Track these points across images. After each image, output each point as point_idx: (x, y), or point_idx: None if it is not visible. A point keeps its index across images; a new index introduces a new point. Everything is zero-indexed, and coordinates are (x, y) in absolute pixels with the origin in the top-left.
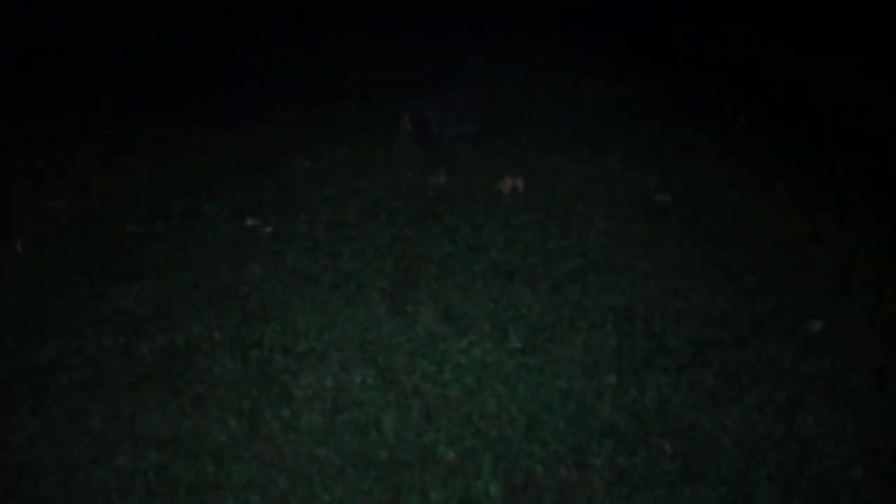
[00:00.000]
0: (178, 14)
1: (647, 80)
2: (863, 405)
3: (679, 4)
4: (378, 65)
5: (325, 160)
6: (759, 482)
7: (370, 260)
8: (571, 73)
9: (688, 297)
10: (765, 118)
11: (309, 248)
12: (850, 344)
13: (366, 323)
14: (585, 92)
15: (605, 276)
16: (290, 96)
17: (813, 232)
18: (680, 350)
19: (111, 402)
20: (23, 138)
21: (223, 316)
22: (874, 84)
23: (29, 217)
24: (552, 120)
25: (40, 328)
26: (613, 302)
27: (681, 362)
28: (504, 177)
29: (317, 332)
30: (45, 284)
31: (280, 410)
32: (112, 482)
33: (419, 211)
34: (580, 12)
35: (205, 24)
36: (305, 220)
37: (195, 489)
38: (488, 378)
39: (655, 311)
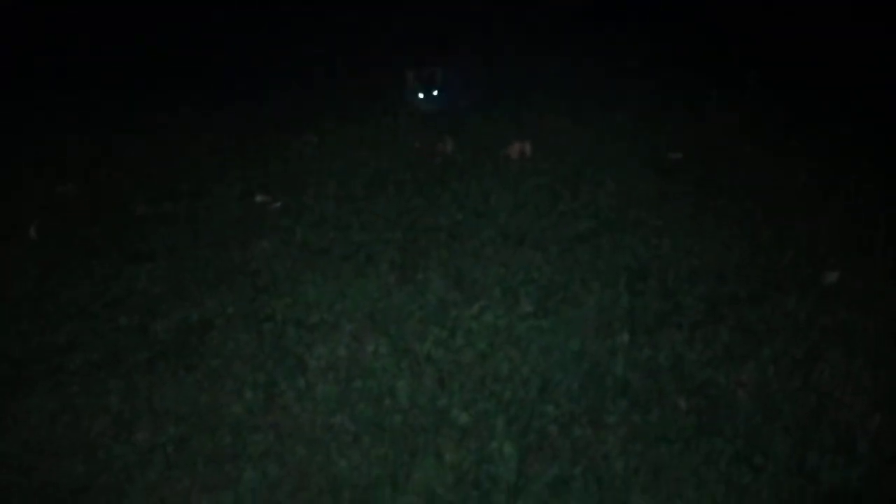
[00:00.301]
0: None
1: (653, 41)
2: (881, 355)
3: None
4: (379, 40)
5: (330, 135)
6: (774, 434)
7: (379, 231)
8: (578, 36)
9: (701, 254)
10: (775, 74)
11: (317, 222)
12: (868, 295)
13: (376, 293)
14: (593, 55)
15: (616, 236)
16: (292, 74)
17: (828, 186)
18: (694, 307)
19: (128, 379)
20: (28, 129)
21: (235, 291)
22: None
23: (38, 203)
24: (559, 84)
25: (55, 310)
26: (625, 261)
27: (695, 319)
28: (512, 142)
29: (328, 303)
30: (58, 267)
31: (295, 381)
32: (131, 457)
33: (427, 180)
34: None
35: (203, 7)
36: (313, 194)
37: (214, 460)
38: (500, 342)
39: (668, 269)
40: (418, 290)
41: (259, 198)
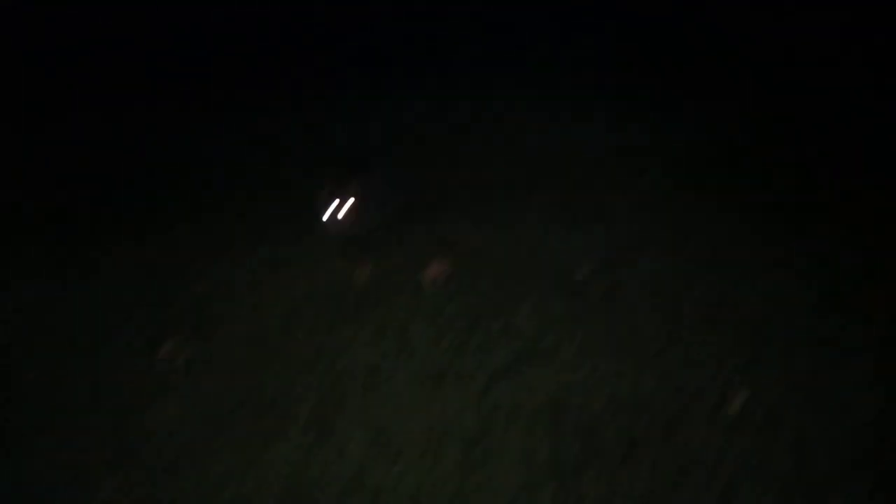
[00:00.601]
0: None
1: (550, 136)
2: (789, 486)
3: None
4: (293, 154)
5: (243, 261)
6: None
7: (294, 378)
8: (494, 136)
9: (616, 382)
10: (667, 175)
11: (227, 375)
12: (771, 419)
13: (292, 456)
14: (494, 157)
15: (534, 367)
16: (203, 195)
17: (721, 295)
18: (613, 448)
19: None
20: None
21: (133, 475)
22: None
23: None
24: (471, 193)
25: None
26: (545, 395)
27: (615, 462)
28: (428, 264)
29: (239, 478)
30: None
31: None
32: None
33: (343, 313)
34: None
35: (107, 127)
36: (224, 338)
37: None
38: None
39: (587, 401)
40: (337, 449)
41: (163, 350)
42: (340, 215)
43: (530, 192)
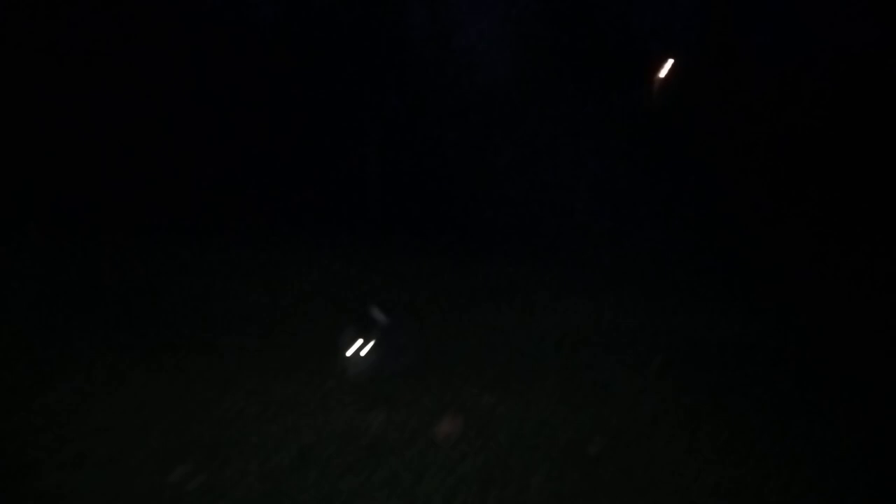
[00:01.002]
0: (107, 244)
1: (568, 315)
2: None
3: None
4: (315, 293)
5: (258, 396)
6: None
7: None
8: (505, 306)
9: None
10: (680, 357)
11: None
12: None
13: None
14: (514, 328)
15: None
16: (225, 327)
17: (735, 483)
18: None
19: None
20: None
21: None
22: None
23: None
24: (488, 351)
25: None
26: None
27: None
28: (442, 419)
29: None
30: None
31: None
32: None
33: (357, 458)
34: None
35: (131, 255)
36: (237, 468)
37: None
38: None
39: None
40: None
41: (176, 471)
42: (362, 354)
43: (542, 364)
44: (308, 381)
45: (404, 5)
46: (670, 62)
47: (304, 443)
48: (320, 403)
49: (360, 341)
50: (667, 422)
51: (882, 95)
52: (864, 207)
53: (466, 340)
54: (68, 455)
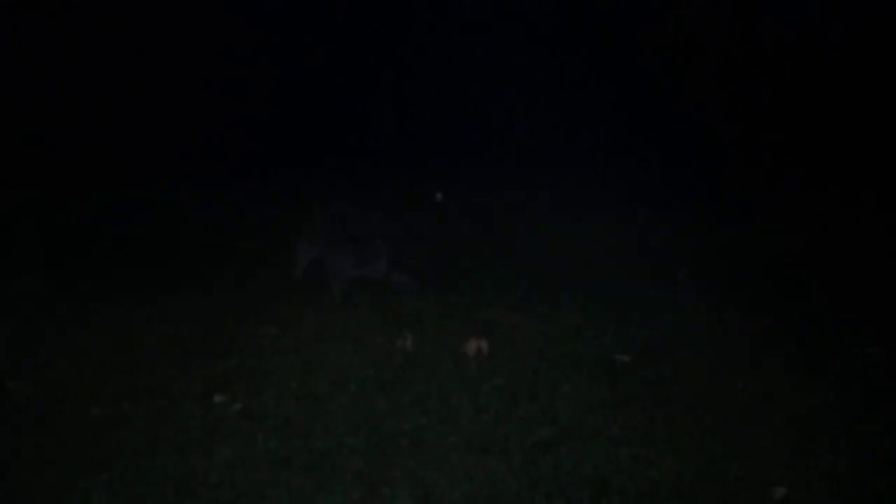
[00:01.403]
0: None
1: (592, 230)
2: None
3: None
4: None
5: (291, 327)
6: None
7: (342, 437)
8: (522, 224)
9: (659, 465)
10: (706, 271)
11: (279, 427)
12: None
13: None
14: (537, 245)
15: (577, 444)
16: (246, 262)
17: (766, 392)
18: None
19: None
20: None
21: None
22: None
23: None
24: (508, 275)
25: None
26: (587, 473)
27: None
28: (469, 339)
29: None
30: (6, 478)
31: None
32: None
33: (388, 379)
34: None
35: (157, 194)
36: (274, 394)
37: None
38: None
39: (629, 481)
40: None
41: (218, 398)
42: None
43: (564, 284)
44: (334, 312)
45: None
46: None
47: (337, 367)
48: (350, 331)
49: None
50: (693, 334)
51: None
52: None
53: (486, 262)
54: (116, 386)
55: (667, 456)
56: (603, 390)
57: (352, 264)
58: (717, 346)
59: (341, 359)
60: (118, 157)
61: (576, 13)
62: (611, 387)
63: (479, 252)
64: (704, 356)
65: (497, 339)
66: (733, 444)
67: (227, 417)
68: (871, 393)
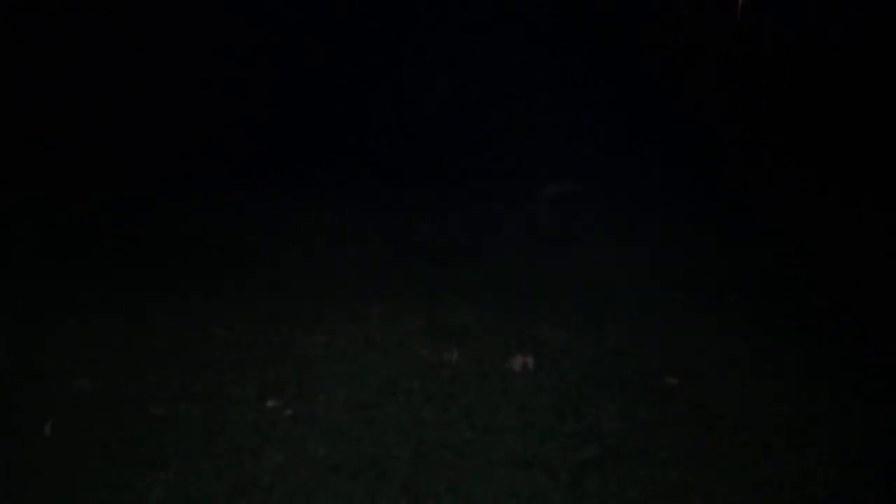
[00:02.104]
0: (195, 196)
1: (634, 255)
2: None
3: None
4: (382, 246)
5: (339, 335)
6: None
7: (390, 445)
8: (573, 249)
9: (705, 492)
10: (755, 296)
11: (329, 433)
12: None
13: None
14: (583, 268)
15: (623, 465)
16: (303, 269)
17: (812, 417)
18: None
19: None
20: (46, 320)
21: None
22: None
23: (54, 398)
24: (555, 295)
25: None
26: (633, 495)
27: None
28: (515, 354)
29: None
30: (71, 472)
31: None
32: None
33: (435, 391)
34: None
35: (218, 202)
36: (324, 400)
37: None
38: None
39: None
40: None
41: (271, 402)
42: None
43: (609, 300)
44: (382, 321)
45: None
46: None
47: (385, 377)
48: (397, 341)
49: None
50: (739, 359)
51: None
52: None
53: (527, 279)
54: (173, 391)
55: (714, 481)
56: (649, 411)
57: None
58: (764, 369)
59: (389, 369)
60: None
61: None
62: (657, 408)
63: (526, 275)
64: (752, 380)
65: (543, 356)
66: (781, 471)
67: (279, 422)
68: None
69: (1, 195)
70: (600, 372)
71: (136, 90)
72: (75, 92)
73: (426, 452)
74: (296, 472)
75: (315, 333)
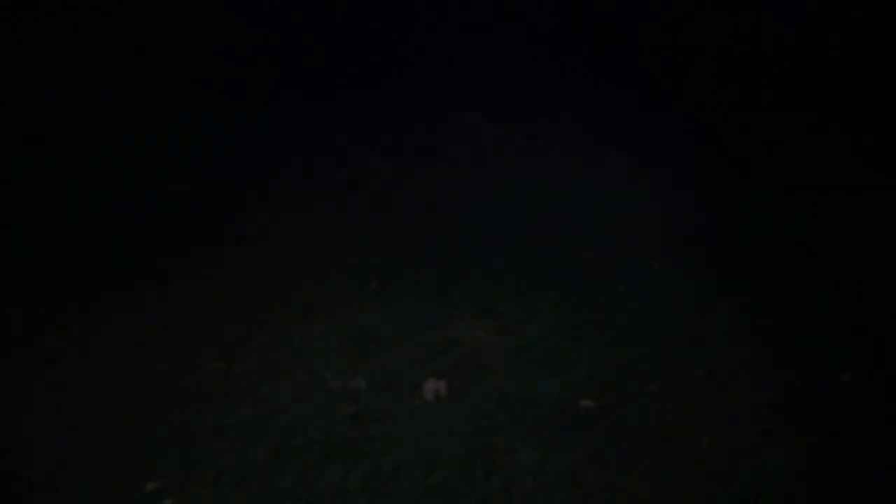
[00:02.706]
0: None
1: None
2: None
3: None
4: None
5: (236, 357)
6: None
7: None
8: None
9: None
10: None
11: None
12: None
13: None
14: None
15: None
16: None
17: (735, 445)
18: None
19: None
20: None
21: None
22: None
23: None
24: (482, 289)
25: None
26: None
27: None
28: (427, 379)
29: None
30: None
31: None
32: None
33: (337, 442)
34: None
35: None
36: (210, 476)
37: None
38: None
39: None
40: None
41: (152, 485)
42: None
43: (540, 278)
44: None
45: None
46: None
47: (285, 429)
48: (304, 362)
49: None
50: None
51: None
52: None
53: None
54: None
55: None
56: (566, 453)
57: None
58: (688, 384)
59: (293, 410)
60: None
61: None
62: (574, 442)
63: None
64: (674, 397)
65: (457, 373)
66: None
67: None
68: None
69: None
70: (517, 395)
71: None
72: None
73: None
74: None
75: (208, 361)
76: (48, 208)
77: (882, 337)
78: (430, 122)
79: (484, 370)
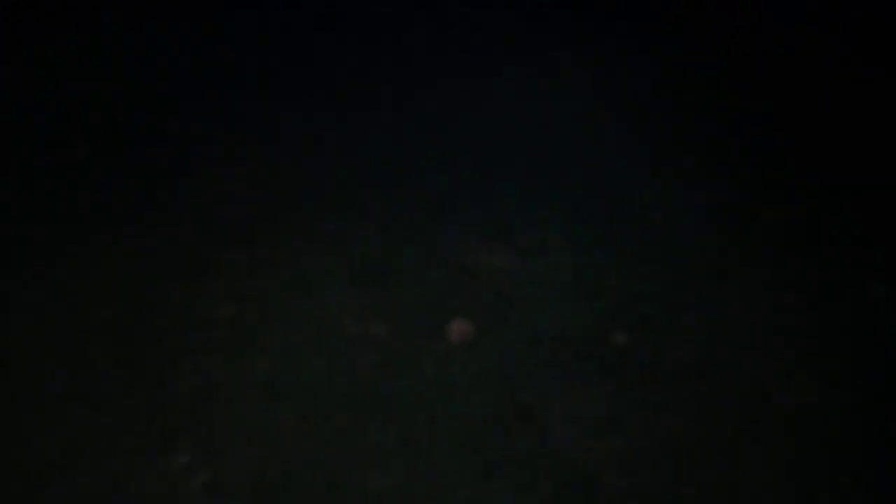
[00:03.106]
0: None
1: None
2: None
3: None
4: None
5: (249, 301)
6: None
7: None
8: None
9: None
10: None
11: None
12: None
13: None
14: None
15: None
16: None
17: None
18: None
19: None
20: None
21: None
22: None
23: None
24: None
25: None
26: None
27: None
28: (452, 320)
29: None
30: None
31: None
32: None
33: (356, 393)
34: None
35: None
36: (232, 436)
37: None
38: None
39: None
40: None
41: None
42: None
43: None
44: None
45: None
46: None
47: (305, 385)
48: (320, 307)
49: None
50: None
51: None
52: None
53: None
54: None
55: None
56: (595, 389)
57: None
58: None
59: (310, 363)
60: None
61: None
62: (605, 381)
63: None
64: (709, 334)
65: (484, 318)
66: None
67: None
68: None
69: None
70: (548, 331)
71: None
72: None
73: None
74: None
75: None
76: None
77: None
78: None
79: (510, 306)
